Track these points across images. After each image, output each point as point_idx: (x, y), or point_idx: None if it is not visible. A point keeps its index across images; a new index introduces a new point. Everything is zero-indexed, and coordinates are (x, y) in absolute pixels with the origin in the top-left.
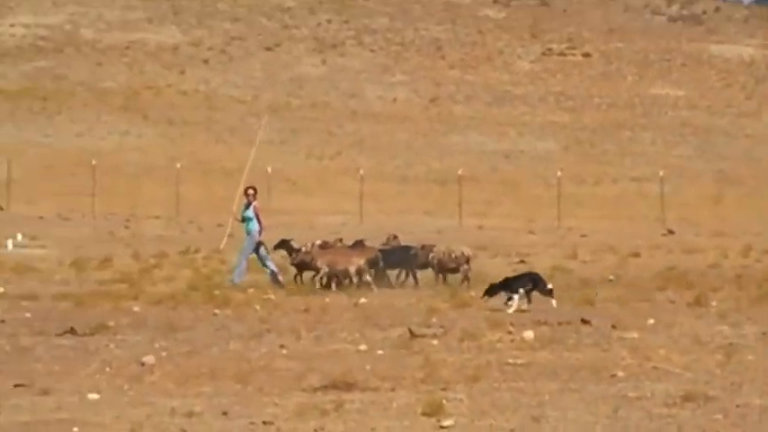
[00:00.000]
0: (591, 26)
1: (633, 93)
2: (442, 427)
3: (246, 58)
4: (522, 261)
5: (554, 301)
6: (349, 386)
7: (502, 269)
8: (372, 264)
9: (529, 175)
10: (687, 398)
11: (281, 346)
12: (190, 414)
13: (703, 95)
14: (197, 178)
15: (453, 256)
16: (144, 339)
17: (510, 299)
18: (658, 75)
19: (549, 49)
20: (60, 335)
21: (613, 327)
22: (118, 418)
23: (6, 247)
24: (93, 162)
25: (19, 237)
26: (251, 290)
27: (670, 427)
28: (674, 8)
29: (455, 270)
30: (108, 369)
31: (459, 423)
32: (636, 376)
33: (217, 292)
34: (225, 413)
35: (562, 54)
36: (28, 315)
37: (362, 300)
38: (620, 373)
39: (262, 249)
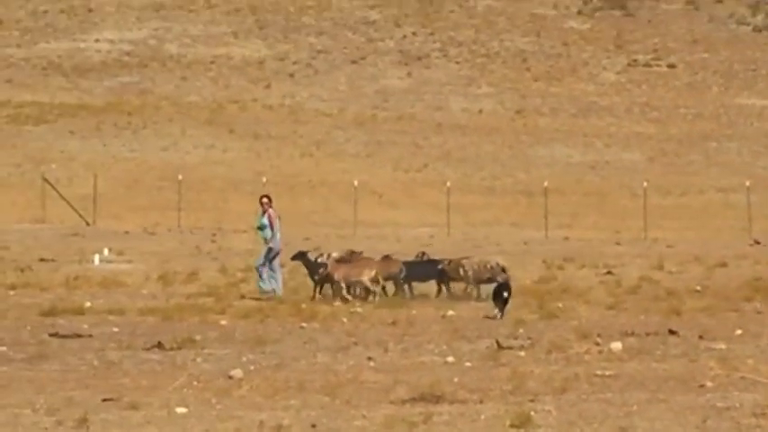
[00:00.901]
0: (676, 37)
1: (718, 103)
2: None
3: (332, 71)
4: (608, 272)
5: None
6: (437, 398)
7: (589, 281)
8: (392, 276)
9: (615, 186)
10: None
11: (369, 359)
12: (278, 427)
13: None
14: (283, 192)
15: (489, 266)
16: (231, 353)
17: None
18: (744, 85)
19: (635, 60)
20: (148, 349)
21: (701, 337)
22: None
23: (93, 261)
24: (179, 176)
25: (106, 251)
26: (337, 303)
27: None
28: (759, 18)
29: (491, 281)
30: (196, 383)
31: None
32: (724, 387)
33: (304, 306)
34: (313, 426)
35: (647, 65)
36: (115, 330)
37: (450, 312)
38: (709, 384)
39: (275, 261)
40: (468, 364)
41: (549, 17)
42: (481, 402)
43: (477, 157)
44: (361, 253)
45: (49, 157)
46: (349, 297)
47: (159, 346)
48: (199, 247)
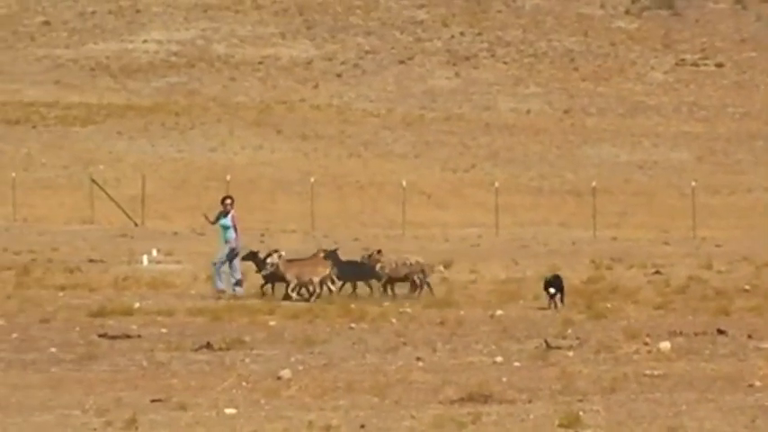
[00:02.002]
0: (723, 36)
1: (766, 102)
2: None
3: (380, 71)
4: (657, 272)
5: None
6: (486, 398)
7: (638, 280)
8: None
9: (663, 185)
10: None
11: (418, 359)
12: (327, 428)
13: None
14: (331, 192)
15: (408, 263)
16: (280, 353)
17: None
18: None
19: (682, 60)
20: (196, 350)
21: (749, 337)
22: None
23: (142, 262)
24: (227, 177)
25: (154, 252)
26: (387, 303)
27: None
28: None
29: (406, 279)
30: (244, 384)
31: None
32: None
33: (353, 306)
34: (362, 426)
35: (695, 64)
36: (164, 330)
37: (498, 312)
38: (758, 383)
39: (235, 261)
40: (516, 363)
41: (596, 17)
42: (530, 402)
43: (525, 157)
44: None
45: (96, 157)
46: (294, 295)
47: (208, 346)
48: (247, 247)
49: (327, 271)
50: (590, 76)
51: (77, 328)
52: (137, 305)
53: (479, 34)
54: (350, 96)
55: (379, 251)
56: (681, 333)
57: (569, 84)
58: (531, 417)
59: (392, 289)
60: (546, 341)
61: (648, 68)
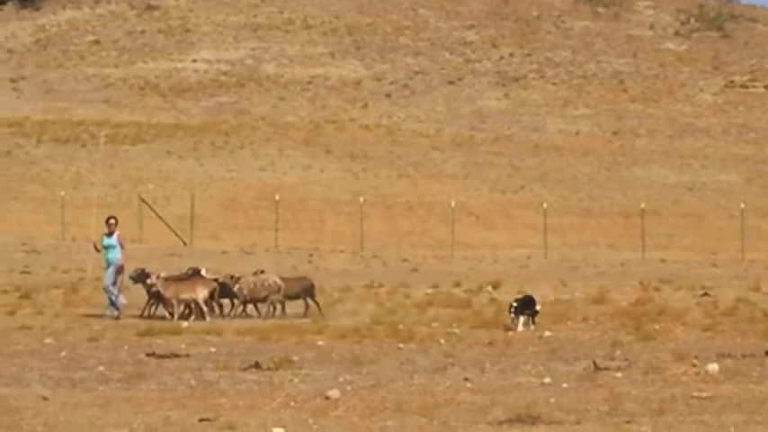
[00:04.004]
0: None
1: None
2: None
3: (429, 91)
4: (705, 294)
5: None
6: (534, 419)
7: (686, 302)
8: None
9: (712, 207)
10: None
11: (466, 380)
12: None
13: None
14: (380, 212)
15: (266, 284)
16: (328, 373)
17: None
18: None
19: (732, 82)
20: (245, 369)
21: None
22: None
23: None
24: (276, 196)
25: (203, 271)
26: (435, 324)
27: None
28: None
29: (265, 299)
30: (293, 403)
31: None
32: None
33: (401, 326)
34: None
35: (744, 86)
36: (212, 349)
37: (547, 333)
38: None
39: (119, 278)
40: (564, 385)
41: (645, 38)
42: (578, 423)
43: (574, 178)
44: (199, 271)
45: (146, 176)
46: (168, 316)
47: (256, 366)
48: (296, 267)
49: (206, 290)
50: (639, 98)
51: (126, 347)
52: (185, 324)
53: (529, 55)
54: (399, 116)
55: (262, 271)
56: (729, 355)
57: (618, 105)
58: None
59: (283, 308)
60: (594, 362)
61: (697, 90)
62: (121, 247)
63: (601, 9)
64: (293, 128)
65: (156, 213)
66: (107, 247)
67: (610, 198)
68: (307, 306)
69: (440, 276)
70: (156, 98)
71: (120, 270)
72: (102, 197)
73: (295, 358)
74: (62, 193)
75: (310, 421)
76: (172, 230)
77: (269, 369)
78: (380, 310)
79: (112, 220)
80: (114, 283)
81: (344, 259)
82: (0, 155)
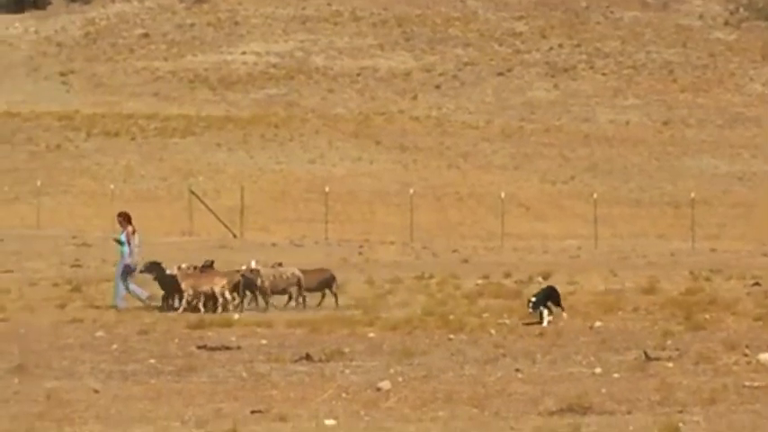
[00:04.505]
0: None
1: None
2: None
3: (478, 83)
4: (756, 283)
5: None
6: (585, 409)
7: (737, 292)
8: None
9: (762, 197)
10: None
11: (517, 370)
12: None
13: None
14: (430, 204)
15: (284, 277)
16: (380, 365)
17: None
18: None
19: None
20: (296, 361)
21: None
22: None
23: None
24: (326, 188)
25: (253, 263)
26: (485, 315)
27: None
28: None
29: (284, 292)
30: (344, 395)
31: None
32: None
33: (452, 317)
34: None
35: None
36: (263, 342)
37: (597, 323)
38: None
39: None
40: (615, 375)
41: (695, 28)
42: (629, 413)
43: (624, 168)
44: (212, 264)
45: (195, 169)
46: (201, 308)
47: (307, 357)
48: (346, 259)
49: (224, 282)
50: (689, 88)
51: (176, 340)
52: (236, 316)
53: (578, 46)
54: (449, 108)
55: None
56: None
57: (668, 95)
58: (631, 428)
59: (303, 301)
60: (645, 352)
61: (747, 80)
62: (128, 243)
63: None
64: (343, 120)
65: (206, 206)
66: (120, 242)
67: (660, 188)
68: (323, 296)
69: (490, 267)
70: (205, 91)
71: (129, 266)
72: (152, 190)
73: (346, 350)
74: (112, 186)
75: (361, 413)
76: (222, 223)
77: (320, 361)
78: (431, 302)
79: (120, 218)
80: (124, 280)
81: (395, 251)
82: (50, 149)
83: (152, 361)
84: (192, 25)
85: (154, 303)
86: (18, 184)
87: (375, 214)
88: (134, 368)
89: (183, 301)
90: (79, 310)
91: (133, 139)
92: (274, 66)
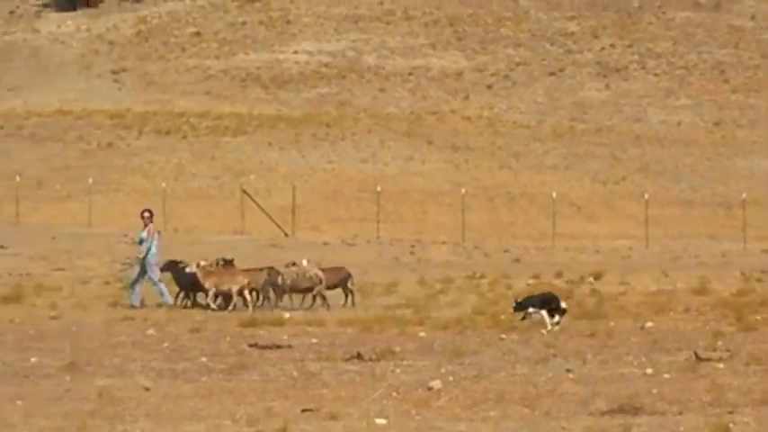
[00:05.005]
0: None
1: None
2: None
3: (530, 83)
4: None
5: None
6: (636, 410)
7: None
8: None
9: None
10: None
11: (568, 371)
12: None
13: None
14: (482, 204)
15: (308, 276)
16: (430, 364)
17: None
18: None
19: None
20: (347, 360)
21: None
22: None
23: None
24: (378, 188)
25: (305, 262)
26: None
27: None
28: None
29: (309, 290)
30: (395, 394)
31: None
32: None
33: (503, 317)
34: None
35: None
36: (314, 340)
37: (649, 324)
38: None
39: (149, 270)
40: (666, 375)
41: (747, 28)
42: (680, 414)
43: (676, 169)
44: (231, 261)
45: (247, 168)
46: (213, 305)
47: (358, 356)
48: (397, 259)
49: (246, 281)
50: (741, 88)
51: (228, 338)
52: (287, 315)
53: (630, 46)
54: (500, 108)
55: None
56: None
57: (720, 96)
58: (682, 429)
59: (323, 300)
60: (696, 353)
61: None
62: (149, 241)
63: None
64: (394, 119)
65: (258, 205)
66: (141, 241)
67: (711, 189)
68: (346, 296)
69: (541, 267)
70: (257, 89)
71: (143, 263)
72: (203, 188)
73: (397, 349)
74: (163, 184)
75: (412, 412)
76: (274, 222)
77: (371, 360)
78: (482, 301)
79: (146, 213)
80: (145, 276)
81: (446, 250)
82: (101, 147)
83: (203, 359)
84: (244, 24)
85: (141, 309)
86: (70, 182)
87: (427, 214)
88: (185, 366)
89: (210, 298)
90: (130, 309)
91: (185, 137)
92: (326, 65)
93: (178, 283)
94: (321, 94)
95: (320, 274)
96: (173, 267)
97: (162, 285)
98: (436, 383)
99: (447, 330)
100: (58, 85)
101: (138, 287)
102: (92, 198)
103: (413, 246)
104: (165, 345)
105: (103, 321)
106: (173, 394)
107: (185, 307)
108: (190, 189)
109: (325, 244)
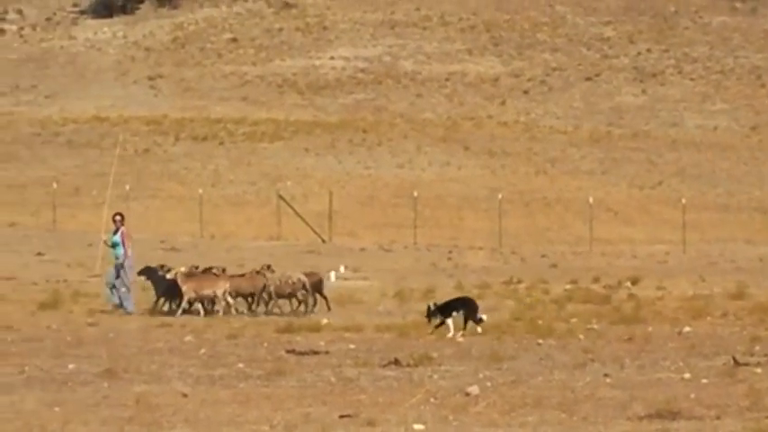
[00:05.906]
0: None
1: None
2: None
3: (567, 88)
4: None
5: (479, 329)
6: (674, 415)
7: None
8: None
9: None
10: None
11: (605, 375)
12: None
13: None
14: (519, 209)
15: (290, 282)
16: (468, 370)
17: (442, 323)
18: None
19: None
20: (384, 366)
21: None
22: None
23: (329, 278)
24: (415, 193)
25: (342, 269)
26: (574, 320)
27: None
28: None
29: (291, 296)
30: (433, 400)
31: None
32: None
33: (540, 322)
34: None
35: None
36: (352, 346)
37: (686, 328)
38: None
39: (122, 274)
40: (704, 380)
41: None
42: (718, 419)
43: (712, 173)
44: (209, 269)
45: (284, 174)
46: (180, 311)
47: (396, 362)
48: (435, 264)
49: (227, 286)
50: None
51: (265, 344)
52: (324, 321)
53: (666, 51)
54: (537, 113)
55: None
56: None
57: (756, 100)
58: None
59: (306, 304)
60: (734, 358)
61: None
62: (123, 244)
63: (738, 4)
64: (431, 125)
65: (295, 210)
66: (113, 245)
67: (748, 193)
68: (315, 301)
69: (578, 272)
70: (293, 95)
71: (120, 267)
72: (240, 194)
73: (434, 355)
74: (200, 190)
75: (450, 417)
76: (310, 227)
77: (408, 366)
78: (519, 307)
79: (117, 217)
80: (118, 280)
81: (483, 256)
82: (138, 153)
83: (240, 365)
84: (281, 30)
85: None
86: (106, 188)
87: (463, 219)
88: (222, 372)
89: (183, 303)
90: (168, 315)
91: (221, 143)
92: (362, 70)
93: (155, 288)
94: (357, 100)
95: (303, 278)
96: (149, 272)
97: (124, 290)
98: (474, 389)
99: (484, 336)
100: (94, 92)
101: (124, 290)
102: (128, 204)
103: (450, 251)
104: (203, 351)
105: (140, 328)
106: (210, 400)
107: (163, 313)
108: (226, 195)
109: (362, 250)
